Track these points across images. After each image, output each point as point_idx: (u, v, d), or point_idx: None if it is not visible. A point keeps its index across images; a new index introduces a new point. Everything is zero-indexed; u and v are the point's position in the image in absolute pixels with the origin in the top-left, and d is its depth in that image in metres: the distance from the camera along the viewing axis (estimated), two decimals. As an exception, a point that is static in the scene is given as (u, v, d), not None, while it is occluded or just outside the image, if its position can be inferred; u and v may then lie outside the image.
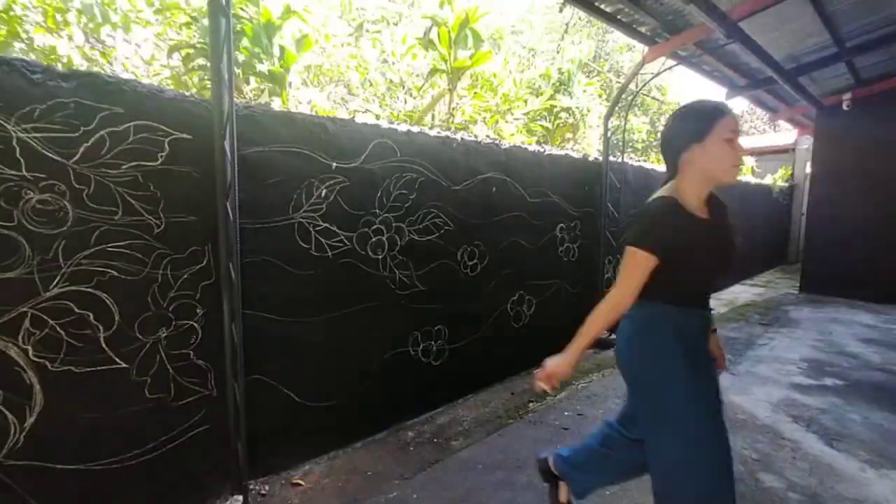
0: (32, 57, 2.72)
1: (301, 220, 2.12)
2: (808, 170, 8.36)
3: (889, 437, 2.51)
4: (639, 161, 5.26)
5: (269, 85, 3.43)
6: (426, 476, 2.16)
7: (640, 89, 5.75)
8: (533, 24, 12.66)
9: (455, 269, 2.84)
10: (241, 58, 3.29)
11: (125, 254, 1.63)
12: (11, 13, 3.10)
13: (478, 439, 2.49)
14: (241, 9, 3.28)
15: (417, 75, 4.77)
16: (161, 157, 1.69)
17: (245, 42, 3.29)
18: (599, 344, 4.08)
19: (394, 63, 4.81)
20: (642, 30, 4.13)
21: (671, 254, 1.26)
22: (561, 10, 11.19)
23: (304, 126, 2.10)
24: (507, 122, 4.82)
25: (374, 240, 2.41)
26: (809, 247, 6.73)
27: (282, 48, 3.35)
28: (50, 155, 1.47)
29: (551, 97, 5.67)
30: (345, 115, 2.83)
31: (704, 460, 1.27)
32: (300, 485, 2.09)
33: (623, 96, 4.63)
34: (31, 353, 1.47)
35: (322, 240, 2.20)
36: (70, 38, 3.40)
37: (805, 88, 5.59)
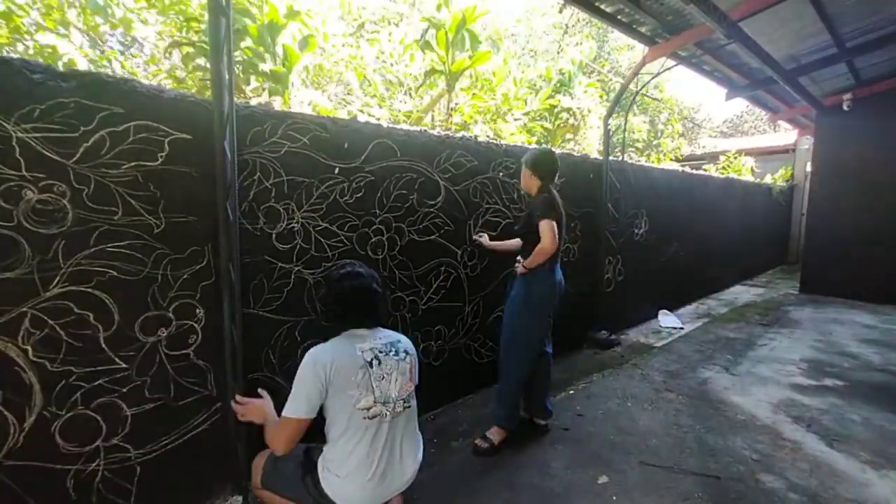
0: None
1: (301, 220, 2.12)
2: (809, 170, 8.36)
3: (889, 438, 2.51)
4: (639, 161, 5.26)
5: (269, 84, 3.44)
6: (426, 476, 2.16)
7: (641, 89, 5.74)
8: (533, 24, 12.66)
9: (455, 269, 2.84)
10: (241, 56, 3.29)
11: (125, 254, 1.63)
12: (13, 14, 3.11)
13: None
14: (249, 16, 3.27)
15: (415, 77, 4.77)
16: (161, 157, 1.69)
17: (248, 42, 3.29)
18: (600, 344, 4.08)
19: (392, 64, 4.81)
20: (642, 30, 4.13)
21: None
22: (561, 11, 11.20)
23: (304, 126, 2.10)
24: (506, 122, 4.82)
25: (374, 240, 2.41)
26: (809, 247, 6.73)
27: (285, 48, 3.35)
28: (50, 155, 1.47)
29: (551, 97, 5.68)
30: (345, 116, 2.83)
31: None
32: (300, 485, 2.08)
33: (623, 96, 4.63)
34: (30, 353, 1.47)
35: (322, 240, 2.20)
36: (68, 38, 3.40)
37: (805, 89, 5.59)
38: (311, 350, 1.51)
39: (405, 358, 1.62)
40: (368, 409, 1.48)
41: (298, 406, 1.44)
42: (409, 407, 1.61)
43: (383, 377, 1.53)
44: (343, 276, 1.60)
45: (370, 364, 1.51)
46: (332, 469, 1.49)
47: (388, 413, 1.52)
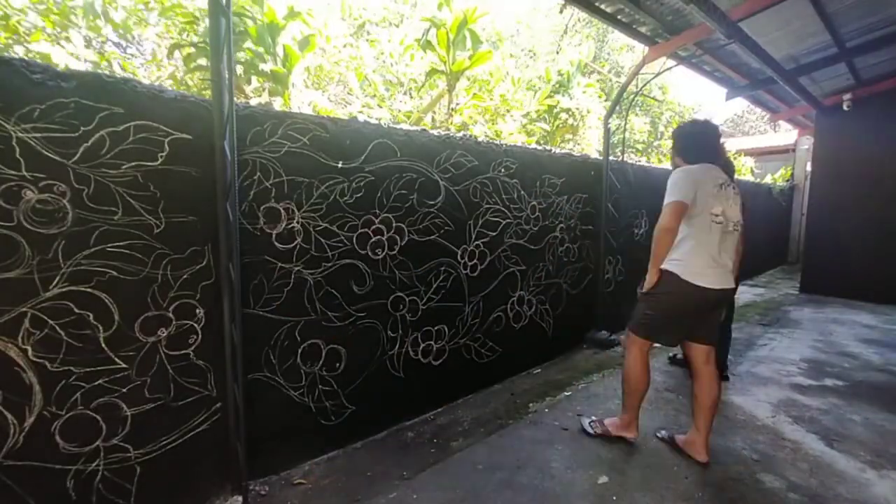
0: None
1: (301, 220, 2.12)
2: (809, 170, 8.36)
3: (889, 438, 2.51)
4: (639, 161, 5.26)
5: (270, 85, 3.44)
6: (426, 476, 2.16)
7: (641, 89, 5.75)
8: (533, 25, 12.67)
9: (455, 269, 2.84)
10: (242, 56, 3.29)
11: (125, 254, 1.63)
12: (10, 20, 3.10)
13: (478, 440, 2.49)
14: (248, 17, 3.27)
15: (413, 80, 4.78)
16: (161, 157, 1.69)
17: (248, 43, 3.29)
18: (600, 344, 4.08)
19: (392, 64, 4.81)
20: (642, 30, 4.13)
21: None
22: (561, 11, 11.20)
23: (304, 126, 2.10)
24: (506, 122, 4.82)
25: (374, 240, 2.41)
26: (810, 247, 6.73)
27: (285, 48, 3.35)
28: (50, 155, 1.47)
29: (551, 99, 5.68)
30: (345, 116, 2.83)
31: None
32: (300, 485, 2.08)
33: (623, 96, 4.63)
34: (30, 353, 1.47)
35: (322, 240, 2.20)
36: (68, 39, 3.39)
37: (805, 89, 5.59)
38: (683, 168, 2.18)
39: (735, 194, 2.20)
40: (717, 215, 2.09)
41: (675, 195, 2.07)
42: (738, 231, 2.19)
43: (728, 198, 2.14)
44: (689, 124, 2.41)
45: (720, 186, 2.14)
46: (682, 266, 2.14)
47: (726, 223, 2.12)
